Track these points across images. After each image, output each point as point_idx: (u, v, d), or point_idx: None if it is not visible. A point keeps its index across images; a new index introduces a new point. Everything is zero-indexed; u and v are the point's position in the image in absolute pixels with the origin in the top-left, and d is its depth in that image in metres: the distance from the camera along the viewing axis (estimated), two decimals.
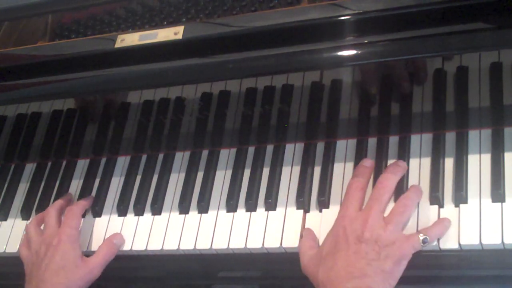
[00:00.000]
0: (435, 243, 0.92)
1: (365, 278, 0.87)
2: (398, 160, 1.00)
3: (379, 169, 1.01)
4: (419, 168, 1.00)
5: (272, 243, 1.01)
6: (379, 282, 0.87)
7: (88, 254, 1.08)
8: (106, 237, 1.11)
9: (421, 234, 0.90)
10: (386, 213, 0.94)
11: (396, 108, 1.04)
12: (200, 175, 1.13)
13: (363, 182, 0.98)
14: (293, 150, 1.10)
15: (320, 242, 0.97)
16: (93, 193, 1.19)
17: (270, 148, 1.11)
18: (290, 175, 1.07)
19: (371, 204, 0.94)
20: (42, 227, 1.14)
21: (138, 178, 1.17)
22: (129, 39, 1.06)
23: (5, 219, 1.23)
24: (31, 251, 1.10)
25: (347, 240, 0.91)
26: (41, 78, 1.11)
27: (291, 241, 1.00)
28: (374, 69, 1.03)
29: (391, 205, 0.95)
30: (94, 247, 1.11)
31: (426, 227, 0.93)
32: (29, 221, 1.18)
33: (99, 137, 1.23)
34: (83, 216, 1.16)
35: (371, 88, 1.05)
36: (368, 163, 1.01)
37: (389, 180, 0.96)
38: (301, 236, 1.00)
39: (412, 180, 0.99)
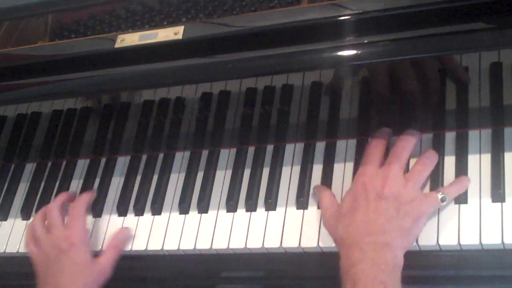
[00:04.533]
0: (434, 242, 0.92)
1: (384, 234, 0.88)
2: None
3: None
4: None
5: (272, 243, 1.01)
6: (397, 239, 0.88)
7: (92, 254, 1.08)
8: (106, 237, 1.11)
9: (440, 193, 0.92)
10: None
11: (396, 108, 1.04)
12: (200, 175, 1.13)
13: (383, 142, 0.99)
14: (293, 150, 1.10)
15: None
16: None
17: (270, 148, 1.11)
18: (290, 175, 1.07)
19: (391, 161, 0.94)
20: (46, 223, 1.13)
21: (138, 178, 1.17)
22: (129, 39, 1.06)
23: (5, 219, 1.22)
24: (40, 250, 1.09)
25: (367, 197, 0.91)
26: (41, 78, 1.11)
27: (291, 241, 1.00)
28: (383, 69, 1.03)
29: None
30: (95, 247, 1.11)
31: (445, 186, 0.94)
32: (32, 219, 1.17)
33: (99, 137, 1.23)
34: None
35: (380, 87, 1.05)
36: (387, 129, 1.02)
37: (408, 140, 0.97)
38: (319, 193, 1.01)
39: None
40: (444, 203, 0.92)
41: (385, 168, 0.94)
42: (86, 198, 1.14)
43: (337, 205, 0.96)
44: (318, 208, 1.02)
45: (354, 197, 0.93)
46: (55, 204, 1.13)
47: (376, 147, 0.98)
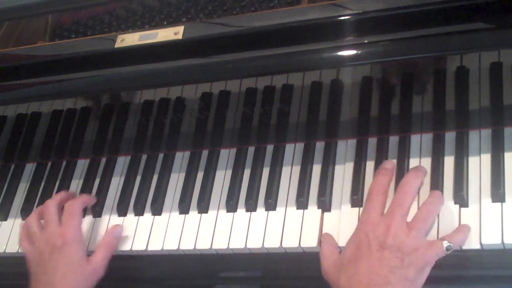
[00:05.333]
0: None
1: (388, 286, 0.86)
2: (419, 165, 0.99)
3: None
4: None
5: (272, 243, 1.01)
6: None
7: (88, 254, 1.08)
8: None
9: (445, 241, 0.89)
10: (409, 218, 0.93)
11: (396, 108, 1.04)
12: (200, 175, 1.13)
13: (385, 185, 0.96)
14: (293, 150, 1.10)
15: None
16: (93, 193, 1.19)
17: (270, 148, 1.11)
18: (290, 175, 1.07)
19: (393, 209, 0.92)
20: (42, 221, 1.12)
21: (138, 178, 1.17)
22: (129, 39, 1.06)
23: (5, 219, 1.22)
24: (34, 247, 1.08)
25: (370, 247, 0.89)
26: (41, 78, 1.11)
27: (291, 241, 1.00)
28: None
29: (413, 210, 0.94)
30: (94, 247, 1.11)
31: (449, 233, 0.92)
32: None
33: (99, 137, 1.23)
34: (83, 216, 1.16)
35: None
36: (389, 165, 0.99)
37: (411, 184, 0.94)
38: (321, 241, 0.99)
39: None
40: (449, 251, 0.89)
41: (388, 216, 0.91)
42: (84, 198, 1.14)
43: (337, 254, 0.94)
44: (318, 208, 1.02)
45: (356, 247, 0.91)
46: (52, 201, 1.12)
47: (377, 193, 0.95)
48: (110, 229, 1.10)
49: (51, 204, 1.11)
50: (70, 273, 1.03)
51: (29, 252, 1.09)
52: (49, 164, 1.27)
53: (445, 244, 0.89)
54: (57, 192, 1.22)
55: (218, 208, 1.08)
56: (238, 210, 1.07)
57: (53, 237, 1.06)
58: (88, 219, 1.15)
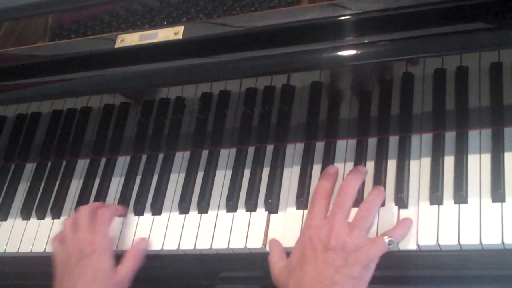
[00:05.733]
0: (434, 242, 0.92)
1: (335, 286, 0.88)
2: (358, 166, 1.02)
3: (379, 170, 1.01)
4: (419, 168, 1.00)
5: None
6: None
7: None
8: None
9: (386, 236, 0.92)
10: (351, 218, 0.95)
11: (396, 108, 1.04)
12: (200, 175, 1.13)
13: (328, 190, 0.98)
14: (293, 150, 1.10)
15: None
16: (93, 193, 1.19)
17: (270, 148, 1.11)
18: (290, 175, 1.07)
19: (335, 211, 0.94)
20: None
21: (138, 178, 1.17)
22: (129, 39, 1.06)
23: (5, 219, 1.22)
24: (64, 249, 1.07)
25: (315, 250, 0.91)
26: (41, 78, 1.11)
27: (291, 241, 1.00)
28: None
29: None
30: None
31: (389, 229, 0.94)
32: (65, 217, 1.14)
33: (99, 137, 1.23)
34: None
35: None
36: (332, 170, 1.01)
37: (351, 186, 0.96)
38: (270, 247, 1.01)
39: (412, 180, 0.99)
40: (391, 246, 0.91)
41: (330, 218, 0.94)
42: (115, 208, 1.12)
43: (285, 260, 0.96)
44: None
45: (302, 252, 0.93)
46: (87, 207, 1.10)
47: (320, 197, 0.97)
48: (137, 243, 1.08)
49: (84, 210, 1.09)
50: (96, 282, 1.01)
51: (57, 252, 1.07)
52: (49, 164, 1.27)
53: (387, 239, 0.91)
54: (57, 192, 1.22)
55: (218, 208, 1.09)
56: (238, 210, 1.07)
57: (83, 243, 1.05)
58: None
